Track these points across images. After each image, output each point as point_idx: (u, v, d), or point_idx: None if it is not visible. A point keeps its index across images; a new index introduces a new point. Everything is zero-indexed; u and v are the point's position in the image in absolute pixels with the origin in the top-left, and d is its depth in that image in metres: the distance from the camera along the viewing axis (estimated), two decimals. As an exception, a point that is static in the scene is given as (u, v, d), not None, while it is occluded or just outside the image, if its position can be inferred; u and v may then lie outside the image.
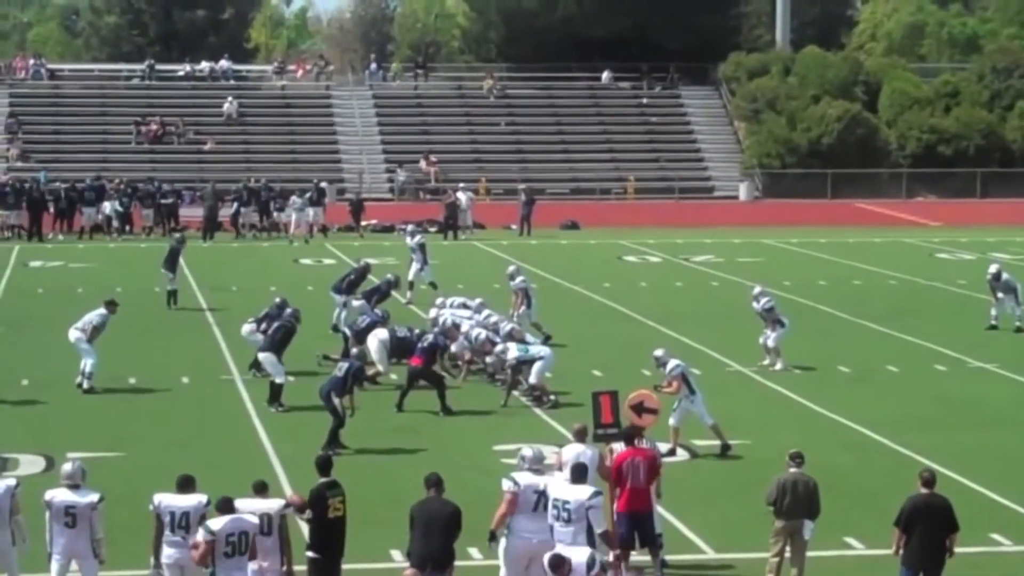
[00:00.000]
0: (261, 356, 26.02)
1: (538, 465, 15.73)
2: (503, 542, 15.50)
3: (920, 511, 15.47)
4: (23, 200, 52.22)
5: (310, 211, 52.59)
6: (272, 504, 14.98)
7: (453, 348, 27.38)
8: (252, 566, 14.73)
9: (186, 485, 15.03)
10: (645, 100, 75.24)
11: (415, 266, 37.42)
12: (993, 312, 34.12)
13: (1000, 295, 34.06)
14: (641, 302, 37.60)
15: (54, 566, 15.01)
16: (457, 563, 15.19)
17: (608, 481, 16.66)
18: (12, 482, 15.37)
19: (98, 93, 73.50)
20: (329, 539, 15.18)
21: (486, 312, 28.81)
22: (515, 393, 26.00)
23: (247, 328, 27.97)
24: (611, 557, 15.96)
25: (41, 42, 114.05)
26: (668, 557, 17.24)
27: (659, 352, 22.99)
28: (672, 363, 22.48)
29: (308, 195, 52.90)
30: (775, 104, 72.61)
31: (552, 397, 25.65)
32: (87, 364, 26.52)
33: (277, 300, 28.09)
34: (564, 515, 15.20)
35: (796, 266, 46.16)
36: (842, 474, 20.74)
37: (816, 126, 70.66)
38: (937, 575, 15.54)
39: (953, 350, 31.17)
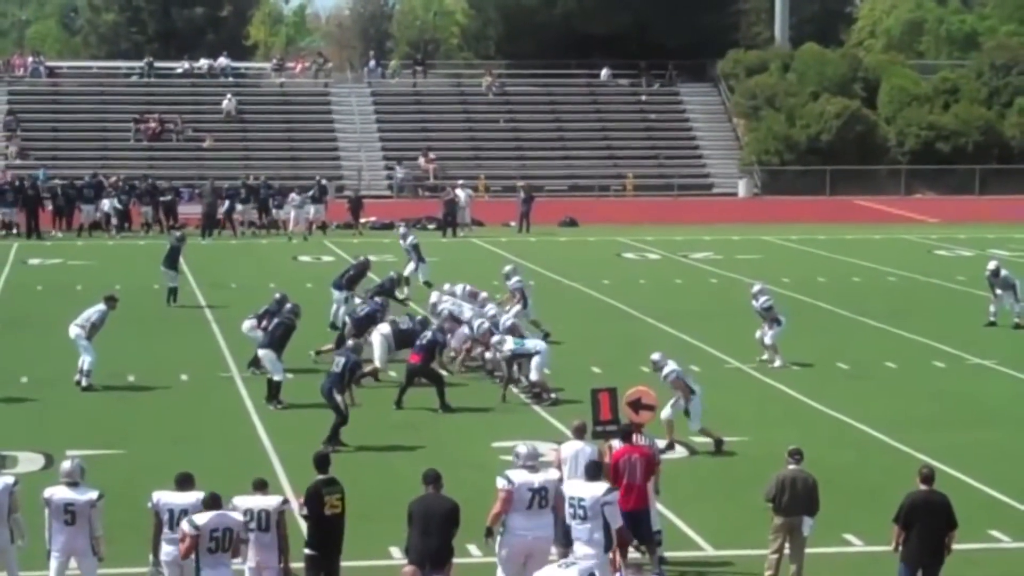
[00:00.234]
0: (261, 353, 26.00)
1: (532, 462, 15.67)
2: (499, 540, 15.48)
3: (919, 508, 15.46)
4: (20, 198, 52.21)
5: (310, 208, 52.52)
6: (271, 501, 14.98)
7: (452, 343, 27.40)
8: (249, 563, 14.76)
9: (185, 483, 15.06)
10: (644, 97, 75.14)
11: (410, 265, 37.71)
12: (992, 308, 34.12)
13: (999, 291, 34.06)
14: (640, 299, 37.59)
15: (53, 564, 15.02)
16: (456, 560, 15.19)
17: (607, 478, 16.65)
18: (11, 480, 15.34)
19: (97, 91, 73.38)
20: (326, 536, 15.17)
21: (489, 306, 28.92)
22: (515, 390, 26.02)
23: (247, 324, 28.00)
24: (611, 555, 15.95)
25: (40, 40, 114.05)
26: (667, 554, 17.26)
27: (656, 356, 22.73)
28: (668, 368, 22.35)
29: (310, 192, 52.90)
30: (774, 101, 72.55)
31: (553, 395, 25.65)
32: (85, 362, 26.53)
33: (277, 296, 28.09)
34: (580, 512, 15.20)
35: (795, 263, 46.14)
36: (841, 471, 20.73)
37: (815, 123, 70.59)
38: (936, 572, 15.54)
39: (952, 347, 31.17)
